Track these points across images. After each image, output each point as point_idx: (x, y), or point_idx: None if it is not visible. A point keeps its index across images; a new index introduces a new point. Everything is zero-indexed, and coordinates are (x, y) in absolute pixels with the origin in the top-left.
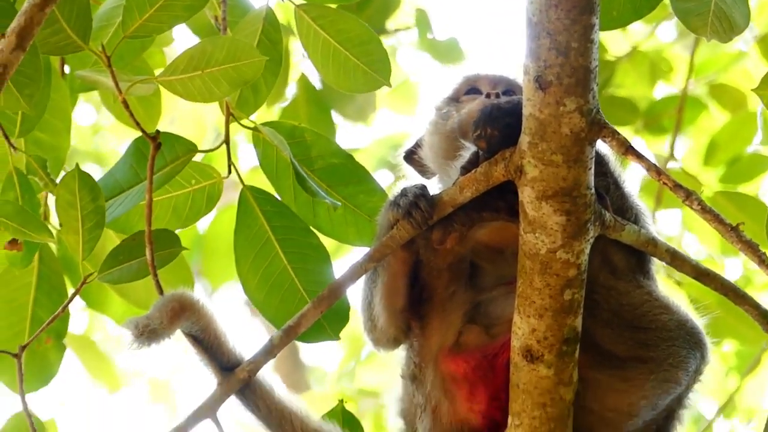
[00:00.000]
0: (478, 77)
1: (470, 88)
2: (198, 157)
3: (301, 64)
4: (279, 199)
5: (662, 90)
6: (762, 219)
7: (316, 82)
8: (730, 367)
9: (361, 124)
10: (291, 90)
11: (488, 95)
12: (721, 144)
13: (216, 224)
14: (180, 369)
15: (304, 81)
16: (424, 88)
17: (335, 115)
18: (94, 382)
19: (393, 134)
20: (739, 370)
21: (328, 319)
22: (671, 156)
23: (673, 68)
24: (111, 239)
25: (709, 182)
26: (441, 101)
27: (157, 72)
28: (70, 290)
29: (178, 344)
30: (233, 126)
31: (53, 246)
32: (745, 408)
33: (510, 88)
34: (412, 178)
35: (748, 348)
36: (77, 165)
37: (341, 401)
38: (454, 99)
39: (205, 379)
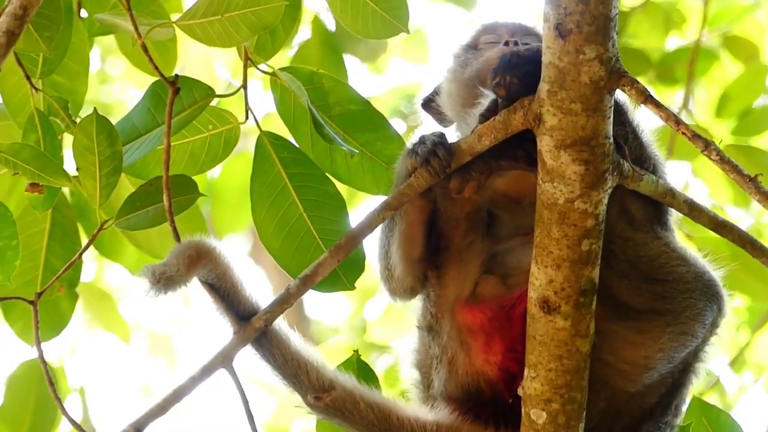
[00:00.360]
0: (496, 25)
1: (489, 35)
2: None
3: (313, 6)
4: (296, 145)
5: (674, 42)
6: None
7: (328, 24)
8: (741, 322)
9: (371, 64)
10: (302, 33)
11: (507, 43)
12: (733, 96)
13: (225, 173)
14: (180, 323)
15: (317, 23)
16: (437, 37)
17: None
18: (103, 331)
19: (406, 84)
20: (750, 325)
21: (343, 269)
22: (684, 107)
23: (686, 19)
24: (124, 186)
25: (720, 134)
26: (459, 48)
27: (174, 17)
28: (83, 238)
29: (178, 298)
30: (248, 72)
31: (66, 192)
32: (755, 363)
33: (529, 36)
34: (425, 126)
35: (758, 303)
36: (95, 109)
37: (356, 351)
38: (473, 46)
39: (207, 333)
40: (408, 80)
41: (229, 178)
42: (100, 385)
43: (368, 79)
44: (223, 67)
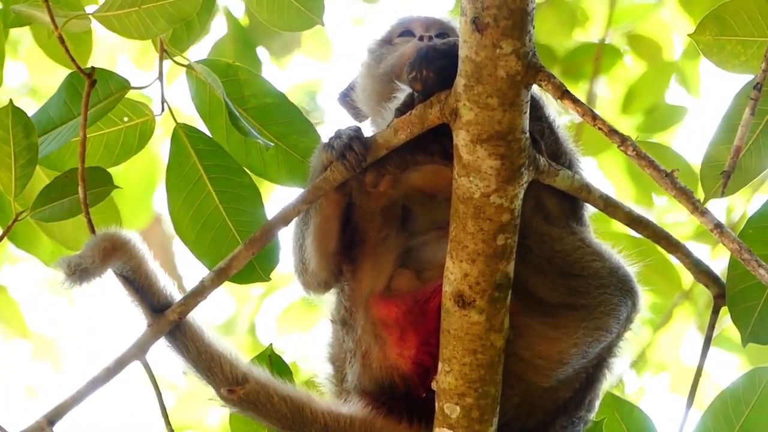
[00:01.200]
0: (411, 19)
1: (404, 30)
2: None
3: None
4: (211, 137)
5: (579, 39)
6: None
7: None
8: (643, 321)
9: (282, 59)
10: (215, 25)
11: (421, 38)
12: (638, 93)
13: (128, 167)
14: (65, 326)
15: (230, 18)
16: (340, 33)
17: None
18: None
19: (308, 80)
20: (652, 324)
21: (259, 261)
22: (588, 104)
23: (590, 17)
24: (39, 178)
25: (627, 132)
26: (373, 43)
27: (88, 8)
28: None
29: (62, 299)
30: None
31: None
32: (656, 362)
33: (444, 31)
34: (328, 124)
35: (662, 300)
36: (11, 101)
37: (270, 345)
38: (387, 41)
39: (98, 336)
40: (310, 77)
41: (132, 172)
42: None
43: (272, 75)
44: (127, 60)
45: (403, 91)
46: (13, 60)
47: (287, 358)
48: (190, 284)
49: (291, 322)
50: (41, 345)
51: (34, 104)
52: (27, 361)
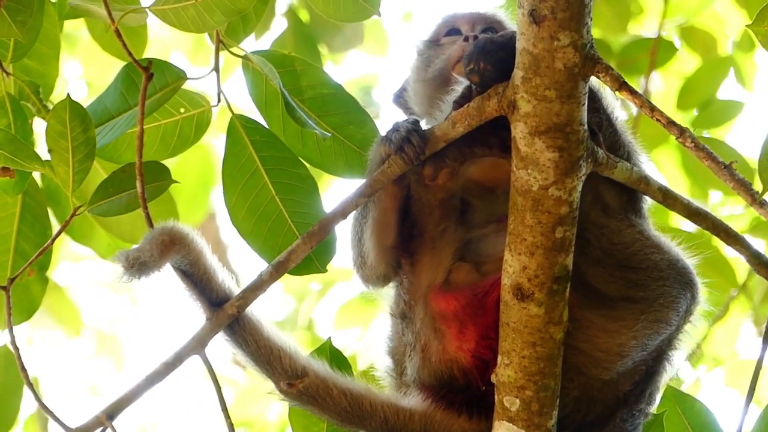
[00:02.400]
0: (455, 17)
1: (449, 29)
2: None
3: None
4: (268, 128)
5: (631, 34)
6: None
7: (303, 15)
8: (702, 313)
9: (337, 55)
10: (276, 22)
11: (467, 38)
12: (693, 87)
13: (183, 161)
14: (128, 322)
15: (292, 13)
16: (396, 29)
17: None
18: (54, 324)
19: (363, 75)
20: (709, 316)
21: (315, 253)
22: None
23: (644, 11)
24: (95, 170)
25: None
26: (421, 44)
27: (144, 1)
28: (53, 221)
29: (125, 296)
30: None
31: (37, 177)
32: (712, 356)
33: (490, 26)
34: (383, 119)
35: (717, 296)
36: (68, 95)
37: (329, 338)
38: (434, 41)
39: (157, 333)
40: (365, 72)
41: (188, 167)
42: (51, 379)
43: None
44: (181, 55)
45: (461, 84)
46: (70, 55)
47: (346, 354)
48: (245, 279)
49: (349, 318)
50: (103, 342)
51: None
52: (89, 359)
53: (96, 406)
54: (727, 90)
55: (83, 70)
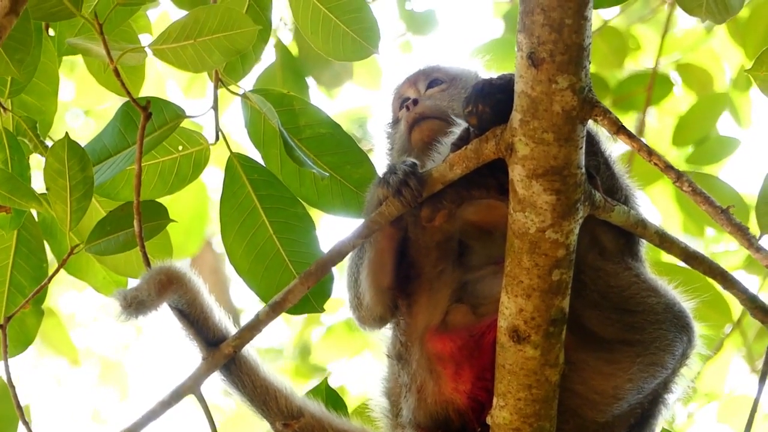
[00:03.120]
0: (401, 87)
1: (401, 101)
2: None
3: (278, 30)
4: (265, 167)
5: (627, 69)
6: (729, 200)
7: (292, 48)
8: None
9: (328, 95)
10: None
11: (407, 106)
12: (689, 124)
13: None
14: (132, 350)
15: (281, 47)
16: (390, 61)
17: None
18: (51, 353)
19: (358, 107)
20: (701, 355)
21: (312, 293)
22: (639, 134)
23: (641, 47)
24: (92, 207)
25: (676, 163)
26: (385, 127)
27: (143, 38)
28: (49, 254)
29: (129, 326)
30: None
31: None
32: (705, 393)
33: (433, 78)
34: (378, 151)
35: (710, 332)
36: (67, 134)
37: (326, 379)
38: (395, 121)
39: (161, 361)
40: (360, 104)
41: (182, 201)
42: (49, 409)
43: (321, 103)
44: (176, 86)
45: (459, 126)
46: (67, 78)
47: (336, 380)
48: (243, 309)
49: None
50: (108, 370)
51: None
52: (94, 386)
53: None
54: (723, 126)
55: (79, 95)
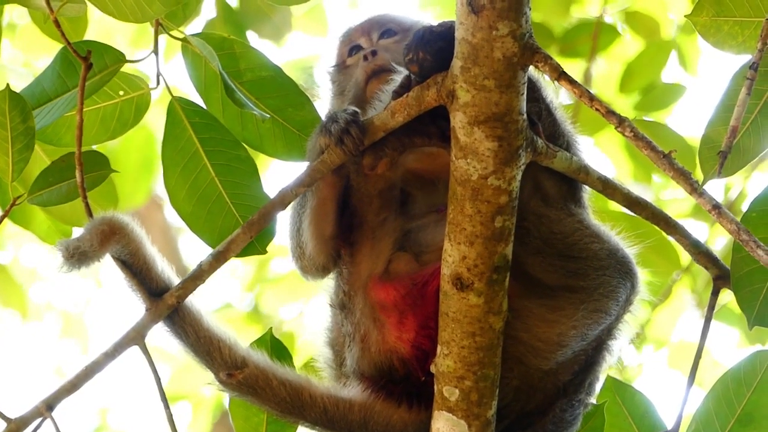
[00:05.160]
0: (351, 33)
1: (350, 47)
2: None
3: None
4: (207, 110)
5: (575, 17)
6: (677, 147)
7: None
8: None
9: (275, 43)
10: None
11: (366, 57)
12: (636, 71)
13: (124, 144)
14: (93, 304)
15: (221, 1)
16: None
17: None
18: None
19: (304, 57)
20: (650, 302)
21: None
22: (586, 83)
23: None
24: (35, 155)
25: (624, 110)
26: (330, 70)
27: None
28: None
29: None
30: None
31: None
32: (655, 338)
33: (386, 28)
34: (324, 99)
35: (659, 279)
36: (8, 85)
37: (270, 329)
38: (341, 65)
39: (118, 314)
40: (306, 53)
41: (129, 150)
42: (9, 365)
43: (267, 52)
44: (123, 39)
45: (400, 73)
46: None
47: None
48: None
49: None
50: (69, 324)
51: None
52: (55, 340)
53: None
54: (673, 74)
55: (26, 51)
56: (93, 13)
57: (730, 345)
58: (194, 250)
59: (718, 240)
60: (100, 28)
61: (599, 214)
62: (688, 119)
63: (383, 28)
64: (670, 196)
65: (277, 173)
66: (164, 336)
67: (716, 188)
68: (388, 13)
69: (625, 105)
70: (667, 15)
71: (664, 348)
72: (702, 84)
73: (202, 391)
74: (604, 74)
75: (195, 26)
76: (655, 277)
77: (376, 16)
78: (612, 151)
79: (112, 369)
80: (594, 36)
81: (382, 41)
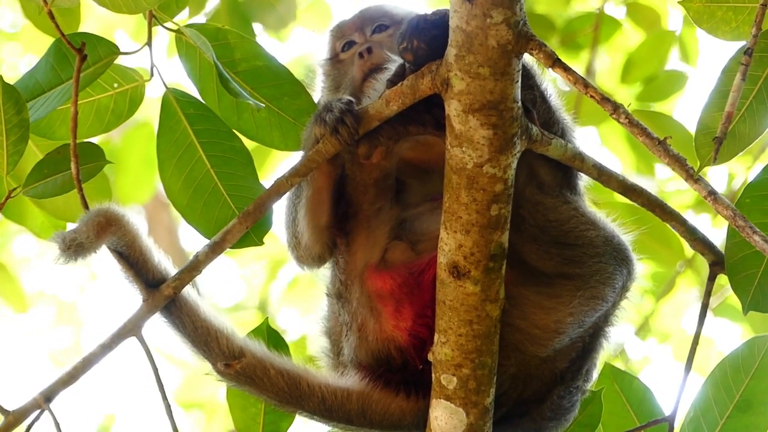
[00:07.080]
0: (344, 27)
1: (344, 42)
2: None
3: None
4: (202, 101)
5: (577, 8)
6: (679, 137)
7: None
8: (645, 290)
9: (281, 32)
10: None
11: (361, 54)
12: (637, 62)
13: (127, 141)
14: (87, 292)
15: None
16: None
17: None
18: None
19: (308, 53)
20: (654, 293)
21: (252, 227)
22: (588, 74)
23: None
24: (29, 148)
25: (626, 100)
26: (323, 63)
27: None
28: None
29: (85, 267)
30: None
31: None
32: (660, 331)
33: (380, 23)
34: (317, 90)
35: (663, 269)
36: (1, 77)
37: (267, 319)
38: (335, 58)
39: (114, 302)
40: (311, 50)
41: (131, 147)
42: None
43: (271, 48)
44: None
45: (394, 62)
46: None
47: (295, 332)
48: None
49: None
50: (63, 312)
51: None
52: (50, 328)
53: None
54: (672, 66)
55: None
56: (94, 9)
57: (736, 339)
58: (197, 246)
59: (720, 231)
60: (101, 22)
61: (603, 204)
62: (691, 111)
63: (376, 23)
64: (673, 188)
65: (278, 167)
66: (164, 336)
67: (719, 178)
68: (380, 5)
69: (627, 96)
70: (667, 6)
71: (669, 341)
72: (703, 76)
73: (216, 399)
74: (608, 66)
75: (199, 18)
76: (659, 267)
77: (368, 9)
78: (614, 143)
79: (116, 373)
80: (595, 27)
81: (376, 36)
